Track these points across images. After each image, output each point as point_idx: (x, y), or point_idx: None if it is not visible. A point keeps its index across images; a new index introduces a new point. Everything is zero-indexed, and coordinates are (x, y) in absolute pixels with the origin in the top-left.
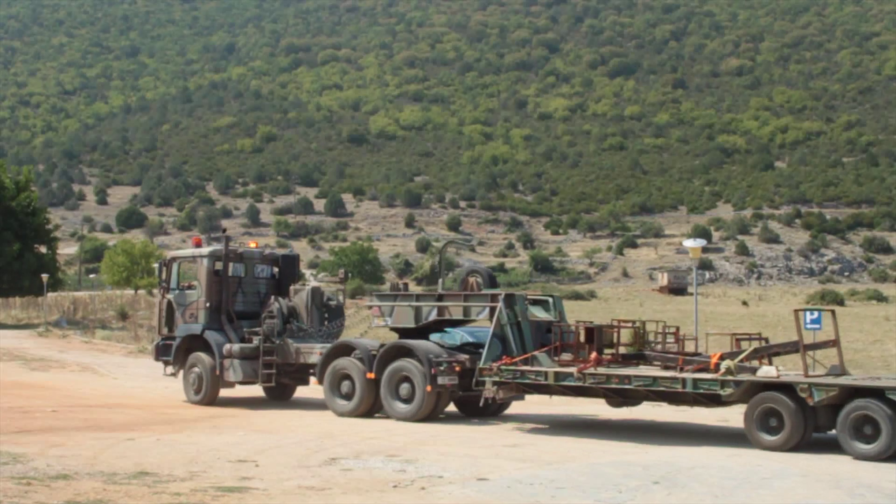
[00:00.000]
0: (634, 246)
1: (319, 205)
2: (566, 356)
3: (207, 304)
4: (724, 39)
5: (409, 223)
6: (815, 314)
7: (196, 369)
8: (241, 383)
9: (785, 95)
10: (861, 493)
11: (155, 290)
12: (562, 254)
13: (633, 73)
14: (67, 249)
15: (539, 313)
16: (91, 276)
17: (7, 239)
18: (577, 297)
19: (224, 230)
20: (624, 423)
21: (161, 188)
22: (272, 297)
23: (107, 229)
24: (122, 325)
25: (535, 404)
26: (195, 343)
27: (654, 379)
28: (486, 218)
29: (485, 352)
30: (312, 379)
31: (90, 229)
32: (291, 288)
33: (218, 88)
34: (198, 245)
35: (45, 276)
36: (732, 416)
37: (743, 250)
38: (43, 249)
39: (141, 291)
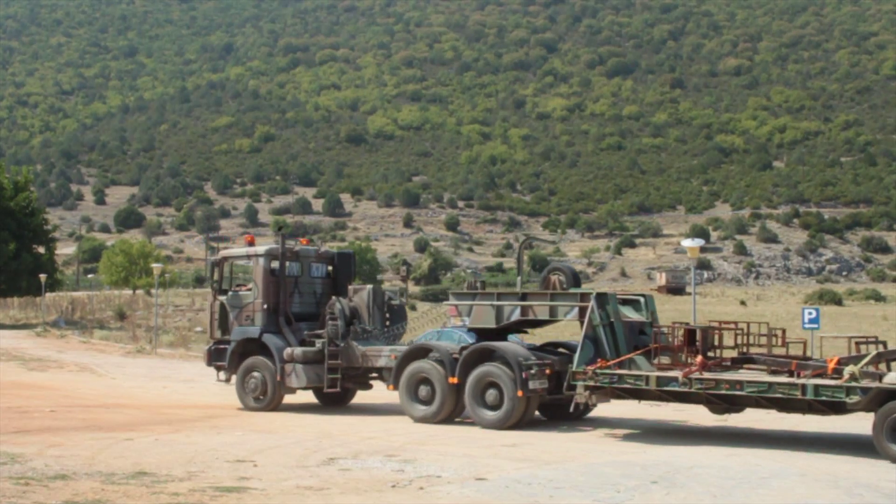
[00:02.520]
0: (633, 246)
1: (318, 205)
2: (664, 360)
3: (264, 306)
4: (722, 39)
5: (408, 223)
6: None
7: (256, 374)
8: (304, 389)
9: (783, 95)
10: (859, 493)
11: (153, 291)
12: (560, 253)
13: (631, 72)
14: (65, 249)
15: (630, 313)
16: (89, 276)
17: (4, 239)
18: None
19: (280, 227)
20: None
21: (159, 188)
22: (333, 298)
23: (105, 229)
24: (121, 325)
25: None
26: (251, 347)
27: (770, 385)
28: (484, 218)
29: (577, 355)
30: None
31: (88, 229)
32: (350, 287)
33: (216, 88)
34: (251, 243)
35: (43, 277)
36: (731, 417)
37: (741, 250)
38: (41, 250)
39: (139, 291)
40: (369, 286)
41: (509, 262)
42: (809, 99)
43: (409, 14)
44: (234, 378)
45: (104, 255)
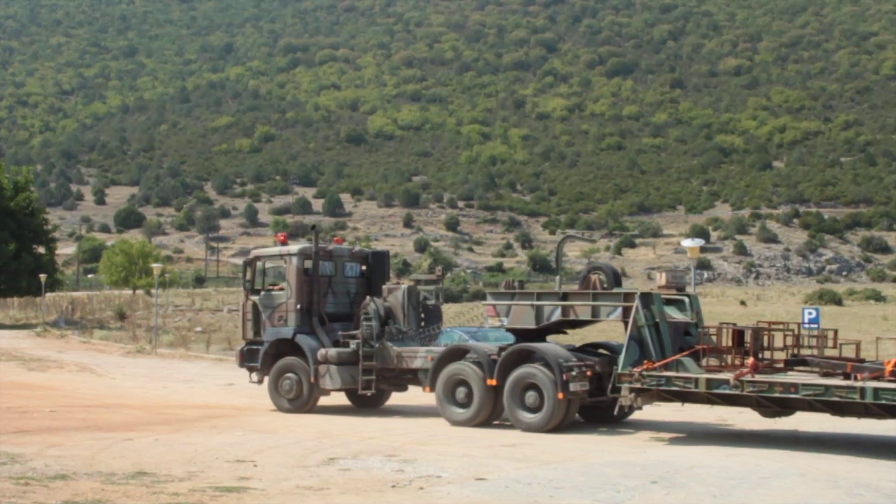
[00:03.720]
0: (633, 246)
1: (318, 205)
2: (712, 361)
3: (298, 306)
4: (722, 39)
5: (408, 223)
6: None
7: (291, 375)
8: (338, 391)
9: (783, 95)
10: (859, 493)
11: (153, 291)
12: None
13: (631, 72)
14: (65, 249)
15: (674, 313)
16: (89, 276)
17: (4, 239)
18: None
19: (314, 226)
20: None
21: (159, 188)
22: (367, 298)
23: (105, 229)
24: (121, 325)
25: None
26: (284, 348)
27: (827, 388)
28: (484, 218)
29: (622, 356)
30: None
31: (88, 229)
32: (385, 287)
33: (216, 88)
34: (284, 242)
35: (43, 277)
36: (731, 417)
37: (741, 250)
38: (41, 250)
39: (139, 291)
40: (404, 286)
41: (509, 263)
42: (809, 99)
43: (408, 14)
44: (266, 379)
45: (104, 255)
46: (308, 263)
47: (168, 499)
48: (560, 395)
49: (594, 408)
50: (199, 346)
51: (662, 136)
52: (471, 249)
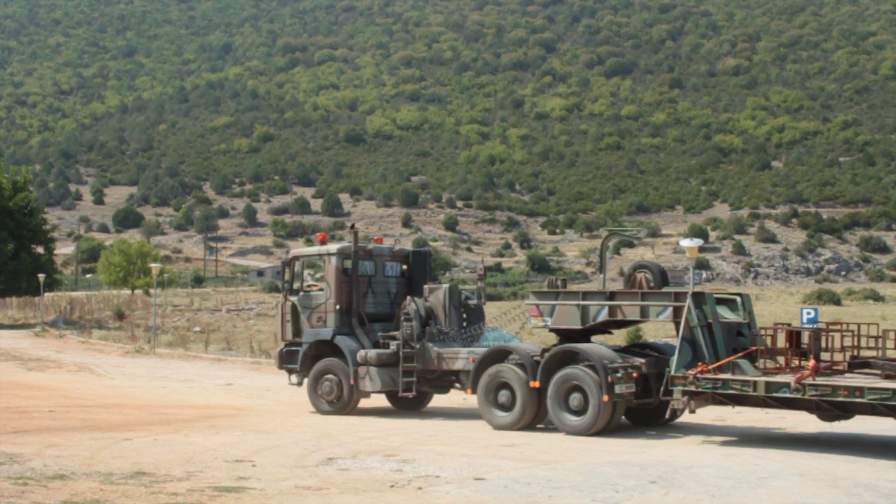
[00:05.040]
0: (631, 246)
1: (316, 204)
2: (769, 363)
3: (337, 307)
4: (720, 39)
5: (406, 223)
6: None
7: (329, 377)
8: (379, 393)
9: (781, 95)
10: (858, 493)
11: (151, 291)
12: (558, 253)
13: (629, 72)
14: (64, 249)
15: (726, 314)
16: (88, 276)
17: (3, 239)
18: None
19: (353, 225)
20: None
21: (158, 188)
22: (408, 298)
23: (103, 229)
24: (119, 324)
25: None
26: (324, 349)
27: (894, 392)
28: (482, 217)
29: (675, 358)
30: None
31: (87, 229)
32: (426, 287)
33: (215, 88)
34: (323, 242)
35: (41, 277)
36: (729, 416)
37: (740, 250)
38: (40, 250)
39: (138, 291)
40: (445, 285)
41: (508, 262)
42: (808, 99)
43: (407, 14)
44: (305, 381)
45: (103, 255)
46: (347, 263)
47: (167, 499)
48: (605, 398)
49: (641, 410)
50: (197, 346)
51: (661, 136)
52: (469, 249)
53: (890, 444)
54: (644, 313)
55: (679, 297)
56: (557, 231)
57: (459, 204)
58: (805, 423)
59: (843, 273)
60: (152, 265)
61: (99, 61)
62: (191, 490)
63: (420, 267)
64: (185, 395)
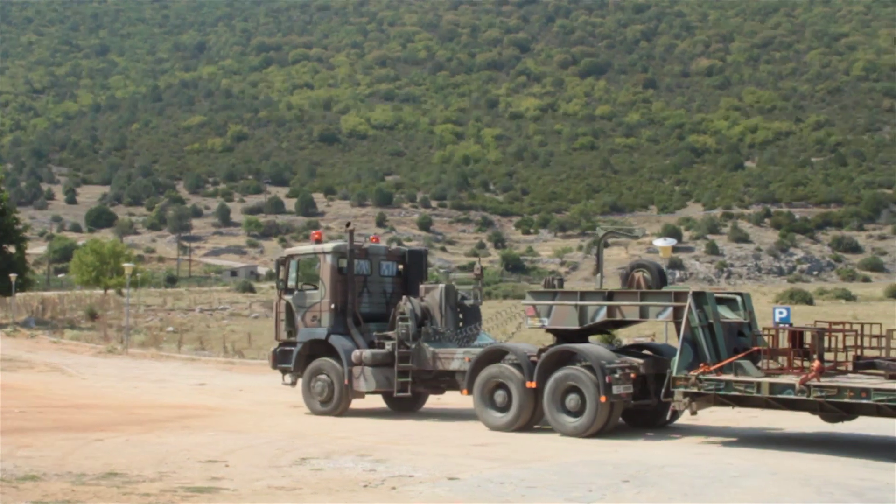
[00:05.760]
0: (605, 245)
1: (290, 204)
2: (772, 364)
3: (332, 306)
4: (694, 40)
5: (381, 222)
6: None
7: (323, 377)
8: (373, 393)
9: (754, 95)
10: (829, 491)
11: (124, 291)
12: (532, 253)
13: (603, 72)
14: (36, 249)
15: (727, 313)
16: (60, 275)
17: None
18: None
19: (349, 223)
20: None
21: (131, 187)
22: (404, 297)
23: (76, 229)
24: (92, 325)
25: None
26: (318, 349)
27: None
28: (456, 217)
29: (676, 359)
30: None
31: (59, 229)
32: (422, 286)
33: (188, 87)
34: (318, 241)
35: (13, 276)
36: (702, 415)
37: (713, 250)
38: (11, 249)
39: (110, 291)
40: (441, 285)
41: (482, 262)
42: (781, 99)
43: (382, 13)
44: (299, 381)
45: (75, 255)
46: (343, 262)
47: (139, 499)
48: (603, 399)
49: (639, 412)
50: (170, 346)
51: (635, 136)
52: (444, 249)
53: (861, 442)
54: (643, 313)
55: (680, 296)
56: (531, 231)
57: (434, 204)
58: (779, 422)
59: (815, 273)
60: (125, 265)
61: (72, 60)
62: (163, 490)
63: (416, 266)
64: (158, 396)
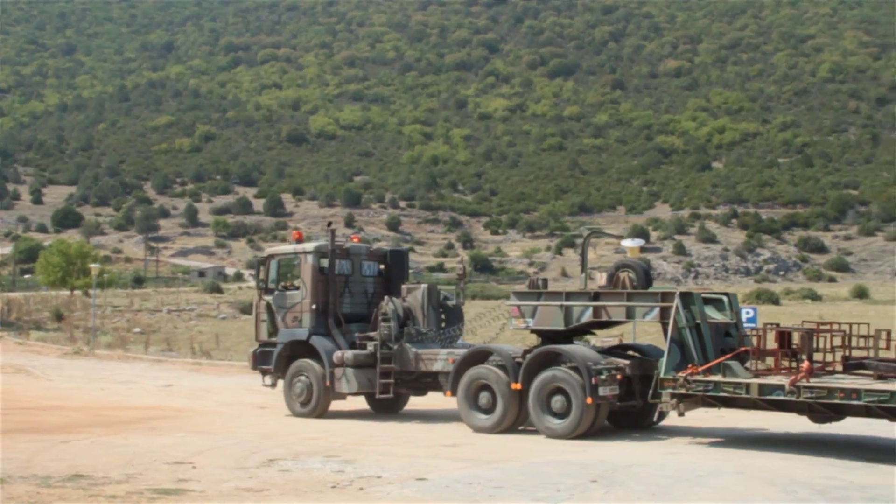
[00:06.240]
0: (573, 246)
1: (258, 204)
2: (760, 365)
3: (313, 306)
4: (662, 41)
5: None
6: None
7: (303, 378)
8: (355, 395)
9: (722, 97)
10: (794, 490)
11: (91, 292)
12: (501, 253)
13: (572, 73)
14: (2, 250)
15: (713, 314)
16: (26, 276)
17: None
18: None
19: (330, 223)
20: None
21: (97, 188)
22: (386, 298)
23: (42, 229)
24: (58, 326)
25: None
26: (299, 350)
27: (892, 394)
28: (425, 218)
29: (664, 360)
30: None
31: (25, 229)
32: (404, 287)
33: (156, 87)
34: (299, 240)
35: None
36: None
37: (680, 250)
38: None
39: (77, 292)
40: (424, 285)
41: (450, 262)
42: (748, 100)
43: (351, 14)
44: (280, 382)
45: (41, 256)
46: (324, 262)
47: (105, 501)
48: (589, 400)
49: (624, 413)
50: (137, 347)
51: (603, 137)
52: (412, 249)
53: (825, 441)
54: (630, 314)
55: (667, 297)
56: (500, 231)
57: (402, 204)
58: (744, 421)
59: (781, 273)
60: (92, 265)
61: (38, 59)
62: (129, 493)
63: (398, 266)
64: (125, 397)
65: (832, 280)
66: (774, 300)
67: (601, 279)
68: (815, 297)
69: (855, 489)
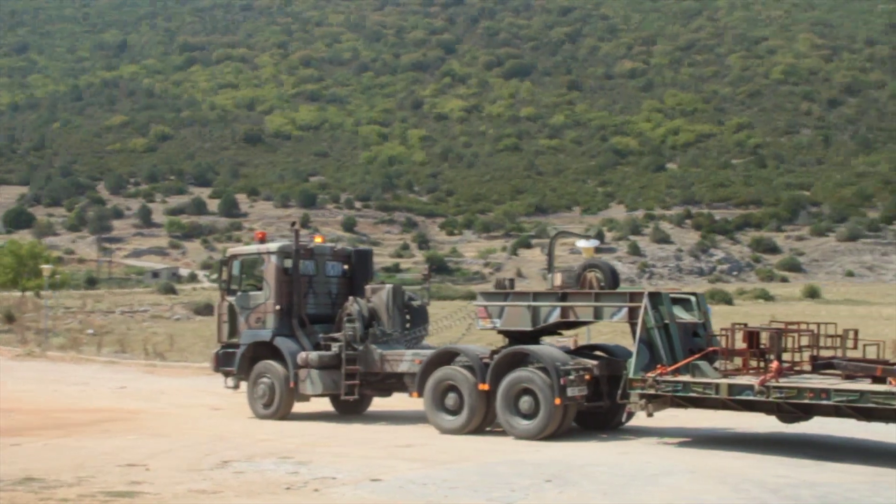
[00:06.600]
0: (529, 246)
1: (213, 205)
2: (728, 365)
3: (277, 307)
4: (618, 42)
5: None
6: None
7: (265, 380)
8: (320, 396)
9: (677, 98)
10: (746, 489)
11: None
12: (457, 254)
13: (528, 74)
14: None
15: (681, 314)
16: None
17: None
18: (473, 297)
19: (294, 223)
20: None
21: (50, 188)
22: (350, 298)
23: None
24: (9, 327)
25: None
26: (262, 351)
27: (862, 394)
28: (381, 218)
29: (633, 360)
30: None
31: None
32: (368, 287)
33: (110, 87)
34: (262, 240)
35: None
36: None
37: (635, 250)
38: None
39: (29, 293)
40: (389, 285)
41: (406, 263)
42: (702, 102)
43: (307, 13)
44: (243, 385)
45: None
46: (288, 262)
47: None
48: (557, 401)
49: (591, 414)
50: (90, 348)
51: (559, 138)
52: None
53: (777, 440)
54: (598, 314)
55: (635, 297)
56: (456, 232)
57: (358, 205)
58: (698, 421)
59: (734, 273)
60: (44, 266)
61: None
62: (81, 496)
63: (361, 267)
64: (77, 399)
65: (784, 280)
66: (728, 300)
67: (556, 279)
68: (767, 297)
69: (805, 487)
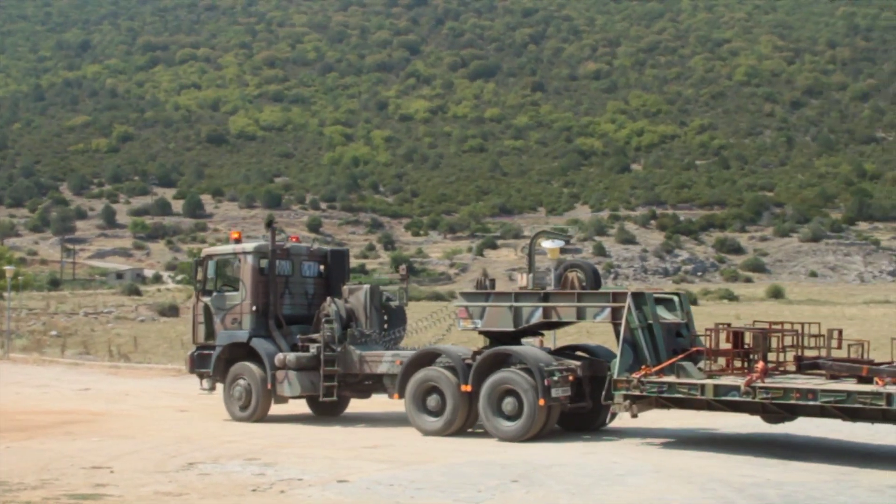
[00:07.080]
0: (494, 247)
1: (177, 205)
2: (712, 365)
3: (253, 308)
4: (582, 43)
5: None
6: None
7: (242, 382)
8: (298, 398)
9: (640, 99)
10: (712, 488)
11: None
12: (422, 255)
13: (493, 75)
14: None
15: (664, 314)
16: None
17: None
18: (438, 297)
19: (271, 222)
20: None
21: (12, 188)
22: (328, 299)
23: None
24: None
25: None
26: (238, 352)
27: (849, 394)
28: (346, 219)
29: (617, 361)
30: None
31: None
32: (345, 288)
33: (72, 86)
34: (238, 240)
35: None
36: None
37: (600, 251)
38: None
39: None
40: (366, 285)
41: (372, 264)
42: (666, 103)
43: (271, 14)
44: (219, 386)
45: None
46: (264, 262)
47: None
48: (541, 402)
49: (573, 415)
50: (54, 350)
51: (523, 139)
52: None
53: (742, 440)
54: (581, 314)
55: (618, 297)
56: (421, 232)
57: (323, 205)
58: (661, 420)
59: (699, 273)
60: (6, 267)
61: None
62: (45, 498)
63: (338, 267)
64: (41, 401)
65: (748, 280)
66: (692, 301)
67: (521, 280)
68: (731, 298)
69: (771, 486)
